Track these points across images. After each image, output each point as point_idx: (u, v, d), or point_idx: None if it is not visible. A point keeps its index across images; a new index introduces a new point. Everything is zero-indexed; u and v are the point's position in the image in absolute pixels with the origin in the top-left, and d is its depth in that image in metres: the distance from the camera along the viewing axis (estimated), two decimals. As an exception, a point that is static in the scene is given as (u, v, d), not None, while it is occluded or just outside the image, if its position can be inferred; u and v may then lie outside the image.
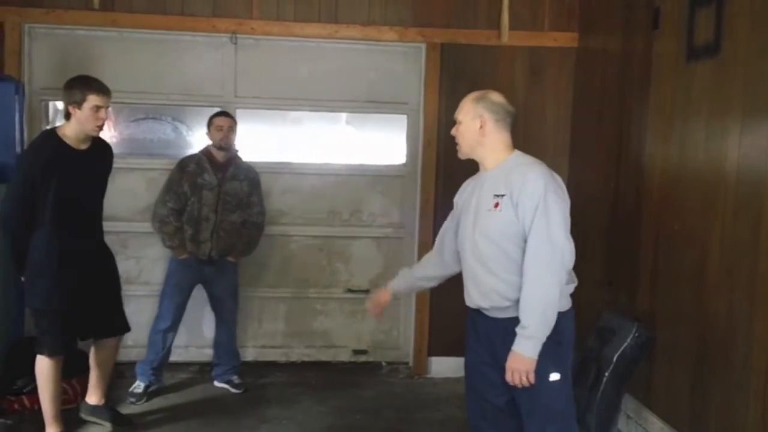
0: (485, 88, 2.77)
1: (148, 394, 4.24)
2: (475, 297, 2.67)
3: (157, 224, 4.29)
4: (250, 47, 4.74)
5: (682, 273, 3.35)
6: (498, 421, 2.72)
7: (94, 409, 3.81)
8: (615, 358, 3.52)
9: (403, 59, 4.87)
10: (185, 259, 4.26)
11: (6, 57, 4.44)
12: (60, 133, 3.47)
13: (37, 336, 3.52)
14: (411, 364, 4.95)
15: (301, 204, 4.90)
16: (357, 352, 5.02)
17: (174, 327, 4.32)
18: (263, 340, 4.95)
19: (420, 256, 4.73)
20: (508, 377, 2.52)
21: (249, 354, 4.86)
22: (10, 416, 3.85)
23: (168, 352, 4.35)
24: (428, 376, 4.86)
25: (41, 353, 3.48)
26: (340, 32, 4.69)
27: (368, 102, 4.89)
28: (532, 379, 2.48)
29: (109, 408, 3.86)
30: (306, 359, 4.99)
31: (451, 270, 2.91)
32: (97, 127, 3.47)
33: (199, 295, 4.43)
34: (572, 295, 2.67)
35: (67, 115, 3.45)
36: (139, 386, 4.25)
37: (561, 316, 2.53)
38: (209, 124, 4.31)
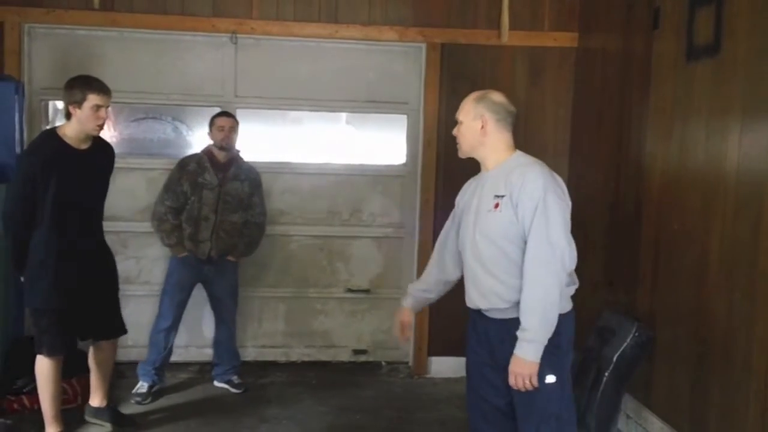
0: (485, 88, 2.77)
1: (152, 394, 4.24)
2: (474, 298, 2.66)
3: (155, 222, 4.29)
4: (250, 47, 4.74)
5: (682, 273, 3.35)
6: (498, 422, 2.71)
7: (96, 411, 3.81)
8: (615, 358, 3.52)
9: (403, 59, 4.87)
10: (185, 258, 4.26)
11: (6, 57, 4.44)
12: (60, 132, 3.46)
13: (37, 336, 3.51)
14: (411, 363, 4.95)
15: (301, 204, 4.90)
16: (357, 351, 5.02)
17: (175, 326, 4.32)
18: (263, 340, 4.95)
19: (420, 256, 4.75)
20: (511, 381, 2.51)
21: (249, 354, 4.86)
22: (10, 416, 3.85)
23: (169, 351, 4.35)
24: (428, 376, 4.85)
25: (41, 353, 3.48)
26: (340, 32, 4.69)
27: (368, 102, 4.88)
28: (535, 382, 2.47)
29: (112, 409, 3.86)
30: (306, 359, 4.99)
31: (451, 276, 2.87)
32: (98, 126, 3.46)
33: (199, 294, 4.43)
34: (572, 295, 2.66)
35: (68, 115, 3.45)
36: (142, 386, 4.25)
37: (561, 318, 2.52)
38: (211, 124, 4.30)
